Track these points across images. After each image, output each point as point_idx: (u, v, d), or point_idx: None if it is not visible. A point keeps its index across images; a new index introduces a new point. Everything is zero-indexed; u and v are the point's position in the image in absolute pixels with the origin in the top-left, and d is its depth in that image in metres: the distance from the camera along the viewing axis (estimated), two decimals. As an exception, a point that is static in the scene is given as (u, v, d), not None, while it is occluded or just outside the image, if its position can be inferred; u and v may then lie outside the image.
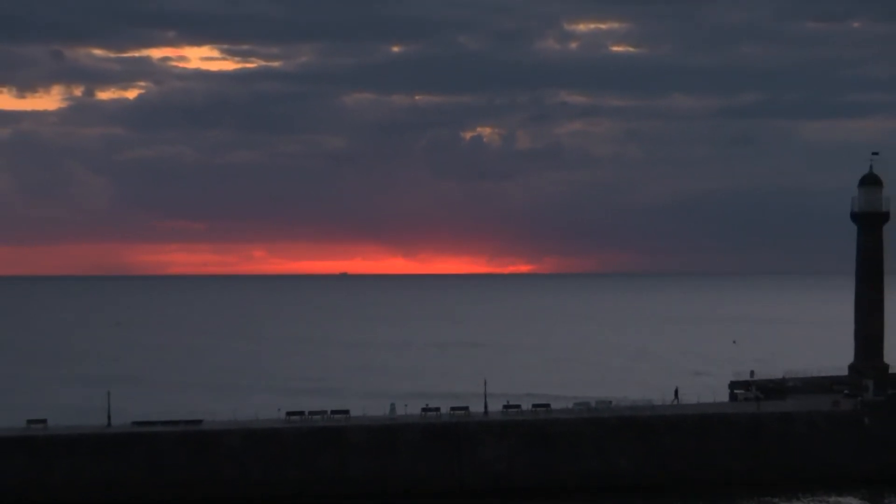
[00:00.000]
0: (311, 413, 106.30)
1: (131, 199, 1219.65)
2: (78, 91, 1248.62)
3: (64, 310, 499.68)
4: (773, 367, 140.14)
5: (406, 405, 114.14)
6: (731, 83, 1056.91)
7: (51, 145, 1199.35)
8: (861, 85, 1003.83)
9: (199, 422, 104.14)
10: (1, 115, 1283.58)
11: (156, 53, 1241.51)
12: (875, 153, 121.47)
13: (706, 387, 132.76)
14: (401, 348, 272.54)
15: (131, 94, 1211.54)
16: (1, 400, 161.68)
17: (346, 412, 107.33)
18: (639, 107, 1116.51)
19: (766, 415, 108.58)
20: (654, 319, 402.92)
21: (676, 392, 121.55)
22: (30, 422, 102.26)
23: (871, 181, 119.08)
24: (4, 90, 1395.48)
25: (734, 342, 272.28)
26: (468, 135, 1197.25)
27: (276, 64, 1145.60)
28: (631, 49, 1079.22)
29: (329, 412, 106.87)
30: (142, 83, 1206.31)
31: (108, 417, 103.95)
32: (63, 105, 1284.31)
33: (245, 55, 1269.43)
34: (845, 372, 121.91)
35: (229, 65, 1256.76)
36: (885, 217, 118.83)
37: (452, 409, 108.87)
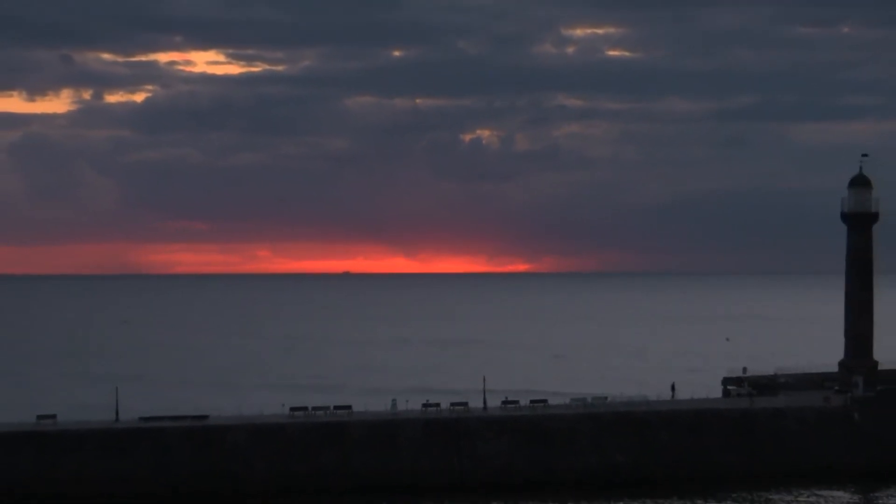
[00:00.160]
0: (314, 409, 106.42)
1: (138, 200, 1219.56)
2: (87, 94, 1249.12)
3: (72, 308, 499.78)
4: (766, 364, 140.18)
5: (407, 401, 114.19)
6: (726, 86, 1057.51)
7: (60, 147, 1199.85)
8: (852, 88, 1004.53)
9: (204, 417, 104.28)
10: (11, 118, 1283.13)
11: (163, 58, 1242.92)
12: (865, 155, 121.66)
13: (700, 383, 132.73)
14: (401, 346, 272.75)
15: (139, 97, 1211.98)
16: (11, 396, 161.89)
17: (349, 408, 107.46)
18: (635, 109, 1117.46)
19: (759, 410, 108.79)
20: (650, 318, 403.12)
21: (673, 388, 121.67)
22: (39, 417, 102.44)
23: (860, 182, 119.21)
24: (15, 93, 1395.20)
25: (727, 340, 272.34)
26: (468, 137, 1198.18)
27: (280, 68, 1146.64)
28: (627, 53, 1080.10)
29: (332, 408, 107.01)
30: (149, 87, 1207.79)
31: (116, 413, 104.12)
32: (72, 108, 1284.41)
33: (250, 59, 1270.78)
34: (836, 369, 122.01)
35: (234, 69, 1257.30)
36: (874, 217, 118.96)
37: (452, 404, 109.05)
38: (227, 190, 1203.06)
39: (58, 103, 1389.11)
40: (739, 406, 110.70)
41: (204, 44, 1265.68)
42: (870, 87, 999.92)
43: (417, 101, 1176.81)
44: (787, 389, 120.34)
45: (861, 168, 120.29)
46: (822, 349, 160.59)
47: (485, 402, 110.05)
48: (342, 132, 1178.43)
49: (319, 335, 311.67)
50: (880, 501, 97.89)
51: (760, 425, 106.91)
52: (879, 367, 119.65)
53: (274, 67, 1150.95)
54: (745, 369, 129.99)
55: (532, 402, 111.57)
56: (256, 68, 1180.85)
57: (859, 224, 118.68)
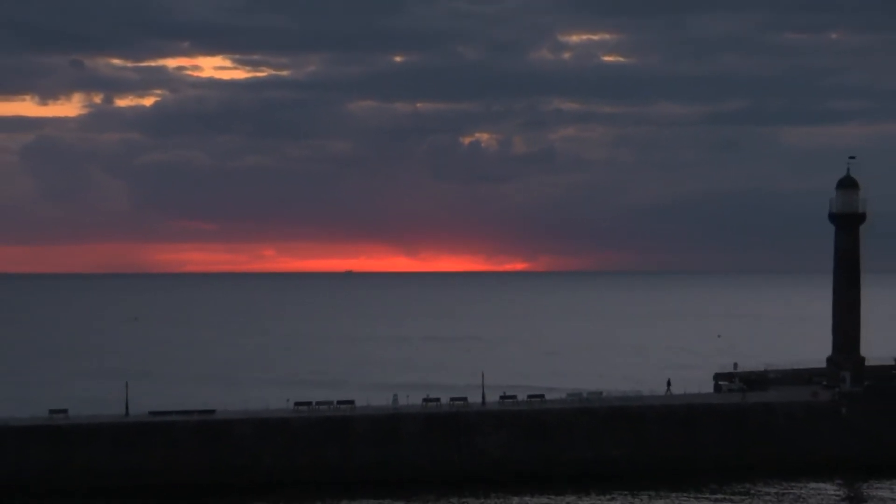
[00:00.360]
0: (318, 403, 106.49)
1: (147, 201, 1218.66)
2: (97, 98, 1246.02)
3: (83, 306, 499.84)
4: (756, 360, 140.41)
5: (408, 396, 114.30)
6: (717, 91, 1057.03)
7: (71, 150, 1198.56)
8: (839, 93, 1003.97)
9: (212, 412, 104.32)
10: (24, 122, 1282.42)
11: (171, 63, 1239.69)
12: (852, 157, 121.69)
13: (692, 379, 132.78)
14: (402, 342, 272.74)
15: (148, 101, 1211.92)
16: (25, 391, 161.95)
17: (352, 402, 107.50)
18: (629, 113, 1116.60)
19: (750, 405, 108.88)
20: (644, 315, 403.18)
21: (669, 383, 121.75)
22: (52, 412, 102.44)
23: (848, 184, 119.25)
24: (27, 98, 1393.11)
25: (719, 336, 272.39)
26: (467, 140, 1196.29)
27: (285, 73, 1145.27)
28: (621, 59, 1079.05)
29: (335, 402, 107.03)
30: (158, 91, 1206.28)
31: (126, 407, 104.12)
32: (83, 112, 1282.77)
33: (256, 65, 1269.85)
34: (824, 364, 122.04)
35: (241, 74, 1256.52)
36: (861, 218, 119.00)
37: (452, 399, 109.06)
38: (234, 191, 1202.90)
39: (69, 107, 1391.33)
40: (731, 401, 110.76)
41: (211, 49, 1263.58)
42: (857, 92, 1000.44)
43: (418, 105, 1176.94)
44: (777, 385, 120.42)
45: (848, 170, 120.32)
46: (811, 346, 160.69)
47: (483, 397, 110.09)
48: (345, 135, 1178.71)
49: (322, 332, 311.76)
50: (867, 493, 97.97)
51: (751, 419, 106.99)
52: (866, 363, 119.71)
53: (279, 73, 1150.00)
54: (736, 365, 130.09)
55: (529, 397, 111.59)
56: (262, 73, 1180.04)
57: (847, 224, 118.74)
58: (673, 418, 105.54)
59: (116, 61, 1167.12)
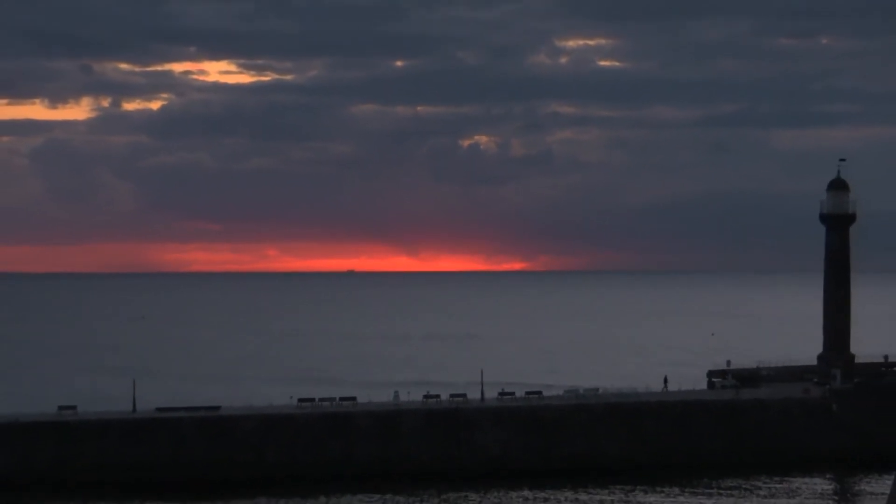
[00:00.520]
0: (320, 400, 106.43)
1: (154, 202, 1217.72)
2: (105, 102, 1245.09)
3: (92, 305, 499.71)
4: (748, 358, 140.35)
5: (408, 392, 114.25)
6: (711, 95, 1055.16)
7: (80, 152, 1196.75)
8: (830, 96, 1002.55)
9: (217, 408, 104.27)
10: (34, 125, 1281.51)
11: (178, 67, 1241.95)
12: (842, 159, 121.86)
13: (686, 376, 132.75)
14: (403, 340, 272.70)
15: (155, 105, 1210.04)
16: (34, 388, 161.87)
17: (354, 399, 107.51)
18: (624, 117, 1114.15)
19: (743, 401, 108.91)
20: (639, 313, 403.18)
21: (666, 380, 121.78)
22: (61, 408, 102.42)
23: (838, 185, 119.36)
24: (37, 101, 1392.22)
25: (712, 334, 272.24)
26: (466, 142, 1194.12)
27: (288, 77, 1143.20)
28: (617, 64, 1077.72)
29: (337, 399, 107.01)
30: (165, 95, 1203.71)
31: (134, 404, 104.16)
32: (92, 115, 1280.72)
33: (260, 69, 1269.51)
34: (815, 362, 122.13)
35: (245, 78, 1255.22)
36: (851, 218, 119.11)
37: (451, 396, 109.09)
38: (238, 193, 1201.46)
39: (78, 111, 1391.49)
40: (724, 397, 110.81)
41: (217, 54, 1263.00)
42: (847, 96, 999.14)
43: (418, 108, 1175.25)
44: (769, 381, 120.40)
45: (839, 172, 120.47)
46: (802, 343, 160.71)
47: (482, 394, 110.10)
48: (347, 138, 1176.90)
49: (324, 331, 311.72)
50: (856, 487, 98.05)
51: (744, 415, 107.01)
52: (856, 361, 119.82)
53: (283, 77, 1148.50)
54: (729, 362, 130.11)
55: (527, 393, 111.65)
56: (266, 77, 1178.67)
57: (837, 225, 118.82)
58: (668, 414, 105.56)
59: (124, 66, 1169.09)
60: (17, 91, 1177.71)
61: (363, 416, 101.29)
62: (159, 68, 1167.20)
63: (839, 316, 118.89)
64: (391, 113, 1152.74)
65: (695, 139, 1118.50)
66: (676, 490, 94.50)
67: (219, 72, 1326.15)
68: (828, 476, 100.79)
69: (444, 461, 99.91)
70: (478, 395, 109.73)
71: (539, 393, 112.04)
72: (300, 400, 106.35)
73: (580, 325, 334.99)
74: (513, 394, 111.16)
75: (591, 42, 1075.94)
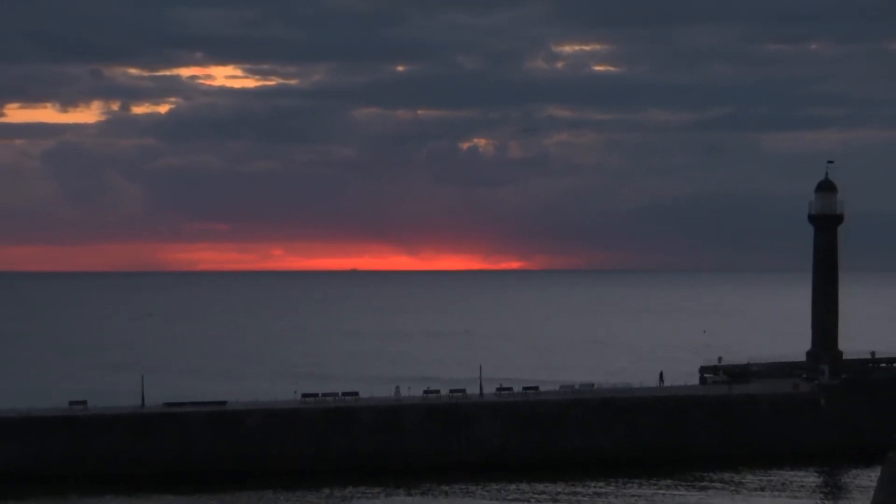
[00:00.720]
0: (324, 395, 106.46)
1: (162, 204, 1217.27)
2: (115, 106, 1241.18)
3: (102, 303, 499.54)
4: (739, 354, 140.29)
5: (409, 388, 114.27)
6: (703, 99, 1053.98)
7: (90, 155, 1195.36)
8: (818, 100, 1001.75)
9: (223, 403, 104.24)
10: (46, 128, 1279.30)
11: (185, 72, 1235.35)
12: (830, 161, 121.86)
13: (679, 372, 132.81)
14: (403, 337, 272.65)
15: (163, 108, 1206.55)
16: (45, 383, 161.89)
17: (356, 394, 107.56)
18: (619, 120, 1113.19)
19: (734, 396, 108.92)
20: (633, 311, 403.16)
21: (661, 375, 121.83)
22: (71, 403, 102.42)
23: (826, 187, 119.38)
24: (49, 105, 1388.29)
25: (704, 331, 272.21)
26: (465, 145, 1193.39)
27: (292, 82, 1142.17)
28: (612, 68, 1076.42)
29: (340, 394, 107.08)
30: (172, 99, 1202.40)
31: (142, 399, 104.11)
32: (101, 119, 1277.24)
33: (265, 74, 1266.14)
34: (804, 358, 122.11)
35: (251, 82, 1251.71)
36: (839, 219, 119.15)
37: (451, 391, 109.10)
38: (244, 194, 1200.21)
39: (88, 114, 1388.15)
40: (716, 393, 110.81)
41: (223, 59, 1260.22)
42: (835, 100, 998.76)
43: (419, 112, 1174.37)
44: (760, 377, 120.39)
45: (827, 174, 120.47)
46: (791, 340, 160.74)
47: (481, 389, 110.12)
48: (350, 141, 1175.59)
49: (327, 328, 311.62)
50: (844, 480, 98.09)
51: (735, 410, 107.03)
52: (844, 357, 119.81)
53: (287, 81, 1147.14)
54: (720, 359, 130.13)
55: (524, 388, 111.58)
56: (271, 82, 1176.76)
57: (825, 225, 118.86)
58: (661, 409, 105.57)
59: (133, 71, 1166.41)
60: (29, 95, 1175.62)
61: (365, 411, 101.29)
62: (167, 73, 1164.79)
63: (827, 313, 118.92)
64: (392, 116, 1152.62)
65: (687, 142, 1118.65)
66: (669, 482, 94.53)
67: (225, 76, 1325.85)
68: (816, 469, 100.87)
69: (444, 455, 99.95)
70: (476, 391, 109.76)
71: (536, 388, 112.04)
72: (304, 395, 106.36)
73: (576, 322, 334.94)
74: (510, 389, 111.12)
75: (586, 48, 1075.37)
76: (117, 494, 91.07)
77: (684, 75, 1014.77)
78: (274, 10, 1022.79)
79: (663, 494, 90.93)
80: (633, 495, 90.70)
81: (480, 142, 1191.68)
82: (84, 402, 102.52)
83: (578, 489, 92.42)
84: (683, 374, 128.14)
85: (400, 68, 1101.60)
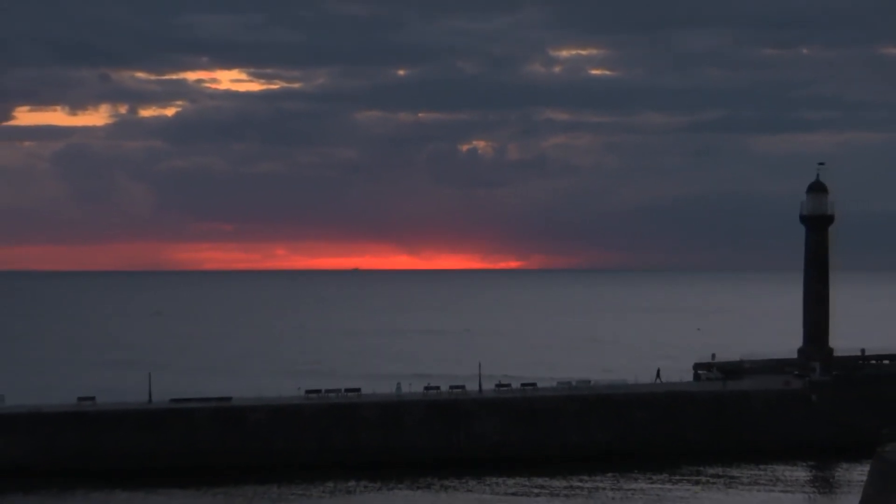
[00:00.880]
0: (327, 391, 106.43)
1: (169, 204, 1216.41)
2: (123, 109, 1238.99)
3: (110, 301, 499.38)
4: (732, 351, 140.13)
5: (410, 384, 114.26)
6: (696, 102, 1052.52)
7: (99, 157, 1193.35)
8: (809, 104, 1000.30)
9: (229, 399, 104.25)
10: (55, 130, 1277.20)
11: (191, 76, 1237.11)
12: (821, 163, 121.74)
13: (674, 368, 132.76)
14: (404, 335, 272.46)
15: (170, 111, 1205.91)
16: (55, 380, 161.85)
17: (358, 390, 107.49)
18: (615, 123, 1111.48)
19: (727, 392, 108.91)
20: (629, 310, 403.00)
21: (658, 372, 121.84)
22: (80, 399, 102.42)
23: (817, 188, 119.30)
24: (58, 108, 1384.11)
25: (698, 329, 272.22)
26: (465, 147, 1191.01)
27: (296, 85, 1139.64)
28: (608, 72, 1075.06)
29: (343, 390, 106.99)
30: (179, 102, 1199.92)
31: (149, 395, 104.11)
32: (110, 121, 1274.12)
33: (269, 78, 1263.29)
34: (795, 355, 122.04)
35: (255, 86, 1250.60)
36: (830, 219, 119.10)
37: (451, 387, 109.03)
38: (248, 195, 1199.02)
39: (97, 117, 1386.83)
40: (709, 389, 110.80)
41: (228, 64, 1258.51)
42: (825, 103, 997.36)
43: (419, 115, 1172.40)
44: (752, 374, 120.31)
45: (818, 175, 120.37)
46: (783, 338, 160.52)
47: (480, 386, 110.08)
48: (352, 143, 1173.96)
49: (330, 326, 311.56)
50: (835, 474, 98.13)
51: (728, 406, 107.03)
52: (834, 354, 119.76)
53: (291, 85, 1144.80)
54: (714, 356, 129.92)
55: (522, 385, 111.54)
56: (275, 86, 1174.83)
57: (817, 225, 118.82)
58: (656, 405, 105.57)
59: (141, 75, 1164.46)
60: (39, 98, 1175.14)
61: (367, 407, 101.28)
62: (174, 77, 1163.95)
63: (818, 311, 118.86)
64: (393, 119, 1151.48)
65: (681, 144, 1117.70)
66: (664, 477, 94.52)
67: (230, 80, 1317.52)
68: (808, 464, 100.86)
69: (445, 449, 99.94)
70: (476, 387, 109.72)
71: (534, 385, 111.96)
72: (307, 391, 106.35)
73: (573, 320, 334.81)
74: (509, 385, 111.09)
75: (583, 52, 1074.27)
76: (125, 489, 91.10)
77: (679, 79, 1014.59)
78: (278, 16, 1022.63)
79: (658, 488, 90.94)
80: (629, 489, 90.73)
81: (480, 144, 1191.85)
82: (92, 398, 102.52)
83: (575, 483, 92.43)
84: (678, 371, 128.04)
85: (401, 72, 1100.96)
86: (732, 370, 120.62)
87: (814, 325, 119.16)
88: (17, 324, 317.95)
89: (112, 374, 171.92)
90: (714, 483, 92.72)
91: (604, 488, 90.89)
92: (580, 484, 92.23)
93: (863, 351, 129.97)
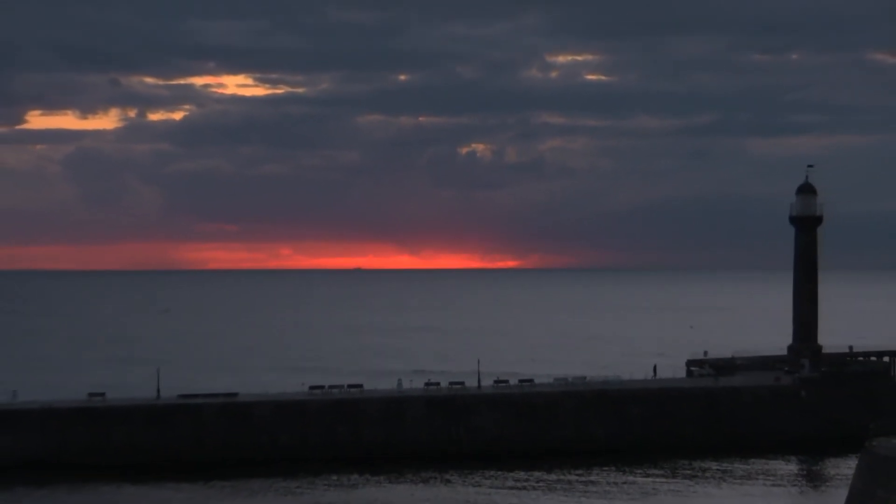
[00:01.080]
0: (330, 387, 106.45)
1: (177, 205, 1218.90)
2: (132, 113, 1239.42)
3: (119, 300, 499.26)
4: (724, 348, 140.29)
5: (411, 380, 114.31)
6: (689, 106, 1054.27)
7: (109, 159, 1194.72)
8: (799, 108, 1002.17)
9: (235, 395, 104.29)
10: (66, 134, 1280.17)
11: (198, 81, 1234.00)
12: (810, 166, 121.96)
13: (667, 365, 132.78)
14: (405, 332, 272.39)
15: (177, 115, 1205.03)
16: (65, 376, 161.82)
17: (360, 386, 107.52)
18: (610, 126, 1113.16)
19: (719, 388, 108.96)
20: (624, 308, 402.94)
21: (655, 369, 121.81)
22: (90, 395, 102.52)
23: (807, 189, 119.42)
24: (69, 112, 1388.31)
25: (691, 327, 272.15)
26: (464, 150, 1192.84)
27: (300, 90, 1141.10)
28: (603, 77, 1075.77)
29: (346, 386, 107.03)
30: (186, 106, 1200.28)
31: (158, 391, 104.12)
32: (119, 125, 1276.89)
33: (274, 82, 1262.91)
34: (785, 352, 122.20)
35: (260, 91, 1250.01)
36: (818, 220, 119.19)
37: (451, 383, 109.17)
38: (254, 196, 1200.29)
39: (106, 121, 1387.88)
40: (702, 385, 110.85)
41: (234, 69, 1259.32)
42: (815, 107, 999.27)
43: (420, 118, 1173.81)
44: (744, 370, 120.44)
45: (807, 177, 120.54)
46: (774, 335, 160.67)
47: (479, 382, 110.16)
48: (354, 146, 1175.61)
49: (333, 323, 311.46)
50: (824, 468, 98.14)
51: (720, 402, 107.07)
52: (823, 351, 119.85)
53: (295, 90, 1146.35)
54: (706, 353, 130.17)
55: (520, 381, 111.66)
56: (280, 90, 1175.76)
57: (806, 226, 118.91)
58: (650, 400, 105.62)
59: (149, 80, 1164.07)
60: (50, 103, 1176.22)
61: (369, 403, 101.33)
62: (181, 82, 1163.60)
63: (807, 310, 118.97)
64: (395, 123, 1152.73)
65: (674, 147, 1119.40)
66: (657, 471, 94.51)
67: (236, 85, 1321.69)
68: (797, 458, 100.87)
69: (445, 444, 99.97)
70: (475, 383, 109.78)
71: (531, 381, 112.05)
72: (311, 387, 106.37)
73: (569, 318, 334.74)
74: (507, 382, 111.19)
75: (579, 57, 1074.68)
76: (134, 482, 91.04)
77: (672, 84, 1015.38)
78: (282, 22, 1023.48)
79: (653, 482, 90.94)
80: (624, 482, 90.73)
81: (478, 147, 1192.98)
82: (102, 394, 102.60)
83: (572, 477, 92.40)
84: (671, 368, 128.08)
85: (402, 77, 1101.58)
86: (724, 367, 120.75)
87: (803, 323, 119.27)
88: (29, 322, 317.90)
89: (121, 370, 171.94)
90: (707, 476, 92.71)
91: (600, 482, 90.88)
92: (577, 478, 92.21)
93: (851, 348, 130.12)
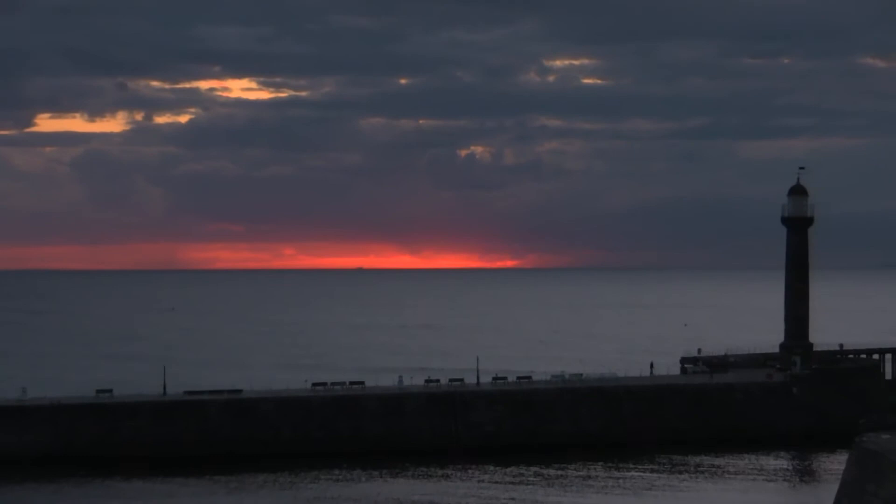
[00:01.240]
0: (332, 384, 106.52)
1: (183, 206, 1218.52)
2: (139, 116, 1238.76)
3: (127, 299, 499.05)
4: (718, 346, 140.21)
5: (411, 377, 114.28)
6: (682, 110, 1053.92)
7: (116, 162, 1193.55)
8: (790, 111, 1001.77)
9: (239, 391, 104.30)
10: (75, 137, 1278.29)
11: (204, 85, 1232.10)
12: (801, 168, 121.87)
13: (661, 362, 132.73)
14: (405, 330, 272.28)
15: (183, 118, 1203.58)
16: (74, 373, 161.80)
17: (362, 383, 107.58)
18: (605, 129, 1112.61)
19: (712, 385, 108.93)
20: (619, 306, 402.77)
21: (652, 366, 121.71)
22: (98, 391, 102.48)
23: (798, 191, 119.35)
24: (78, 115, 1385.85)
25: (685, 325, 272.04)
26: (463, 152, 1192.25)
27: (303, 93, 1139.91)
28: (599, 81, 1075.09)
29: (348, 383, 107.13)
30: (192, 109, 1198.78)
31: (164, 387, 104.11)
32: (126, 128, 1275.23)
33: (278, 86, 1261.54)
34: (777, 350, 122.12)
35: (265, 94, 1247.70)
36: (810, 221, 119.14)
37: (450, 380, 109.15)
38: (258, 197, 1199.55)
39: (114, 124, 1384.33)
40: (696, 381, 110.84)
41: (239, 73, 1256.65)
42: (805, 110, 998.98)
43: (420, 121, 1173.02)
44: (736, 367, 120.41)
45: (798, 179, 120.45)
46: (766, 333, 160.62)
47: (478, 378, 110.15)
48: (356, 148, 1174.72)
49: (335, 321, 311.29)
50: (815, 463, 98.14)
51: (713, 398, 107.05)
52: (814, 349, 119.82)
53: (298, 93, 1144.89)
54: (699, 350, 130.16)
55: (518, 378, 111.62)
56: (284, 94, 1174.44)
57: (797, 227, 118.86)
58: (644, 397, 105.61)
59: (156, 83, 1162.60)
60: (59, 106, 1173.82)
61: (371, 399, 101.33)
62: (187, 85, 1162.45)
63: (799, 308, 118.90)
64: (396, 126, 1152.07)
65: (667, 149, 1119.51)
66: (652, 466, 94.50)
67: (241, 89, 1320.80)
68: (789, 453, 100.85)
69: (444, 439, 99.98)
70: (474, 380, 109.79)
71: (529, 378, 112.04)
72: (314, 384, 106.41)
73: (566, 316, 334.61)
74: (505, 378, 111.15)
75: (575, 62, 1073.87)
76: (141, 477, 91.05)
77: (665, 88, 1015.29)
78: (286, 28, 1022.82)
79: (647, 476, 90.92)
80: (619, 477, 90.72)
81: (477, 149, 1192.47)
82: (110, 391, 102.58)
83: (569, 471, 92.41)
84: (665, 365, 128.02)
85: (403, 81, 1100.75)
86: (718, 364, 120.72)
87: (795, 321, 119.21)
88: (38, 320, 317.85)
89: (128, 367, 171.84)
90: (701, 471, 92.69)
91: (596, 476, 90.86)
92: (573, 472, 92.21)
93: (841, 346, 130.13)
